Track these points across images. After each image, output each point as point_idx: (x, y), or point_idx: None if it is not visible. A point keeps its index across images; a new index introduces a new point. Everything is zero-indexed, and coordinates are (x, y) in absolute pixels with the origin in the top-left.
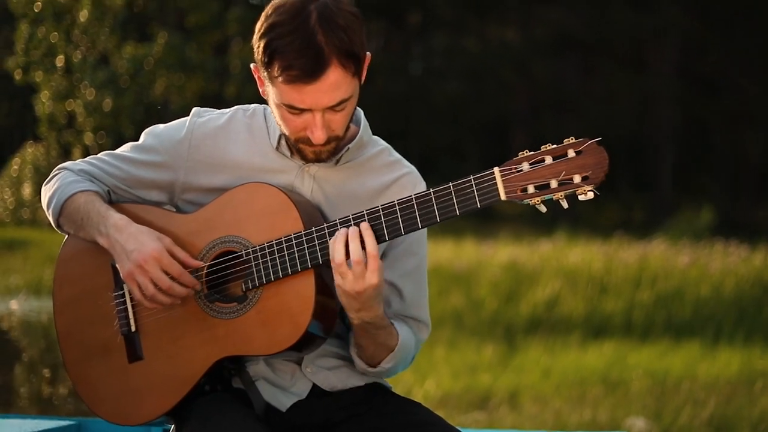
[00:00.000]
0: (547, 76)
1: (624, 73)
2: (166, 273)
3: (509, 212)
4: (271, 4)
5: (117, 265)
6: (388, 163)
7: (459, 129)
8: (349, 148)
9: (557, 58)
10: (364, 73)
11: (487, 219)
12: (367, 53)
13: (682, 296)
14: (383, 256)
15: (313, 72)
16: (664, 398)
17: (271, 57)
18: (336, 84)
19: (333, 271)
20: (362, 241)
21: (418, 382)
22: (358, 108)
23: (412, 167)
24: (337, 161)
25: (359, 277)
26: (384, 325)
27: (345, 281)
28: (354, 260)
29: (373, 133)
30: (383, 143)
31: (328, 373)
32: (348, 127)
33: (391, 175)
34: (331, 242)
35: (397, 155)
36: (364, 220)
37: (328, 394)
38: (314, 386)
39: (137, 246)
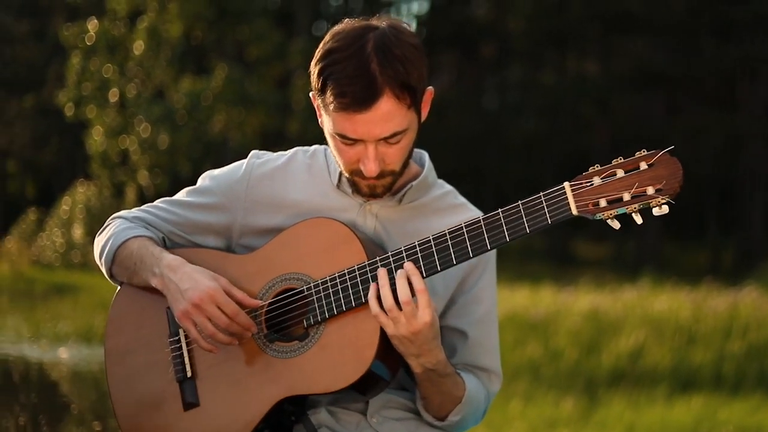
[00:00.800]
0: (628, 111)
1: (711, 109)
2: (223, 312)
3: (590, 257)
4: (330, 30)
5: (171, 306)
6: (453, 205)
7: (535, 167)
8: (412, 186)
9: (640, 93)
10: (426, 108)
11: (567, 264)
12: (429, 88)
13: None
14: (451, 302)
15: (364, 100)
16: None
17: (324, 83)
18: (389, 115)
19: (383, 320)
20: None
21: None
22: (423, 151)
23: (479, 211)
24: (400, 200)
25: (411, 316)
26: (448, 373)
27: (398, 325)
28: (403, 301)
29: (445, 172)
30: (449, 186)
31: (396, 423)
32: (407, 164)
33: (456, 217)
34: (371, 291)
35: (463, 199)
36: (431, 248)
37: None
38: None
39: (192, 284)
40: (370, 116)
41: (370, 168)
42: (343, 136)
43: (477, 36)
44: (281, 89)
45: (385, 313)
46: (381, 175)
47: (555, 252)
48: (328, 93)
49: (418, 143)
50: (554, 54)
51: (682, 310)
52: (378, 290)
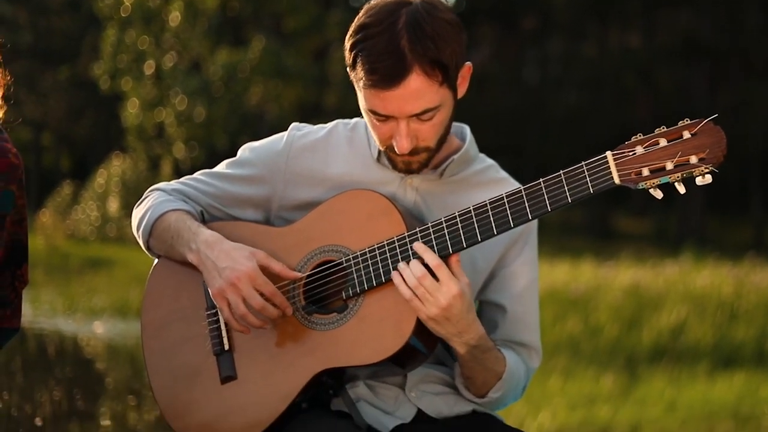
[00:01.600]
0: (672, 85)
1: (757, 82)
2: (259, 293)
3: (631, 232)
4: (365, 5)
5: (207, 283)
6: (496, 179)
7: (577, 141)
8: (453, 160)
9: (684, 66)
10: (464, 84)
11: (607, 239)
12: (467, 63)
13: None
14: (491, 277)
15: (393, 77)
16: None
17: (355, 59)
18: (419, 92)
19: (415, 305)
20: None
21: (532, 414)
22: (464, 125)
23: (521, 186)
24: (442, 174)
25: (435, 290)
26: (489, 347)
27: (427, 304)
28: (418, 276)
29: (485, 146)
30: (490, 160)
31: (435, 398)
32: (443, 140)
33: (498, 191)
34: (396, 278)
35: (505, 173)
36: (471, 218)
37: (434, 421)
38: (419, 412)
39: (230, 263)
40: (399, 93)
41: (402, 144)
42: (374, 113)
43: (517, 8)
44: (318, 62)
45: (416, 296)
46: (415, 152)
47: (596, 227)
48: (359, 68)
49: (457, 118)
50: (596, 26)
51: (724, 285)
52: (401, 275)
